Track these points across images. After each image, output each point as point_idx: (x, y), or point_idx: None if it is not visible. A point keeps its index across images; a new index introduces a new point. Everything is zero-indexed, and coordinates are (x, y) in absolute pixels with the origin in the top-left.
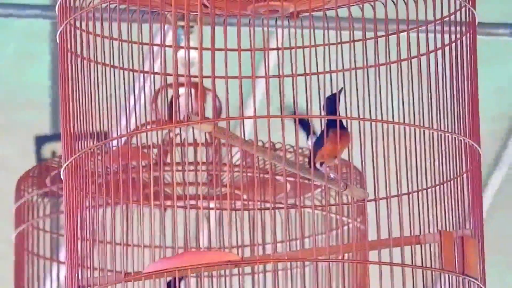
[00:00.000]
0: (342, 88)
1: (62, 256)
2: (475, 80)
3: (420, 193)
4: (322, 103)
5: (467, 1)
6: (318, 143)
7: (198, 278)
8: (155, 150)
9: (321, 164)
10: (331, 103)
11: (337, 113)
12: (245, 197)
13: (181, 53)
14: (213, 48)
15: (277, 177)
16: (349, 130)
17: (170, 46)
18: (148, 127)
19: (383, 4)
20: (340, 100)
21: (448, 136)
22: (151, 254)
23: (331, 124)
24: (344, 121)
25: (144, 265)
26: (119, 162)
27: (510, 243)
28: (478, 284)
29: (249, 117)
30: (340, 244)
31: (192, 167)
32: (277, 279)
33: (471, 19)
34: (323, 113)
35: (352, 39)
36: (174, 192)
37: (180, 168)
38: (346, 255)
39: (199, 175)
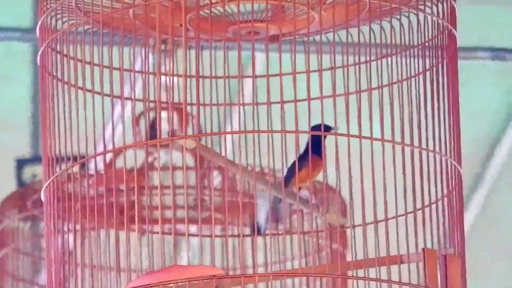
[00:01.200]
0: (332, 127)
1: (43, 279)
2: (456, 100)
3: (405, 216)
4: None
5: (449, 23)
6: (292, 170)
7: None
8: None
9: (299, 189)
10: (316, 138)
11: (322, 149)
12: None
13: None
14: (197, 76)
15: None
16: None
17: (154, 73)
18: (131, 149)
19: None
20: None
21: (430, 155)
22: (128, 278)
23: (306, 150)
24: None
25: None
26: (104, 184)
27: (488, 266)
28: None
29: (234, 132)
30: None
31: (176, 191)
32: None
33: (452, 42)
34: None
35: (334, 66)
36: (160, 216)
37: (164, 191)
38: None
39: (182, 198)
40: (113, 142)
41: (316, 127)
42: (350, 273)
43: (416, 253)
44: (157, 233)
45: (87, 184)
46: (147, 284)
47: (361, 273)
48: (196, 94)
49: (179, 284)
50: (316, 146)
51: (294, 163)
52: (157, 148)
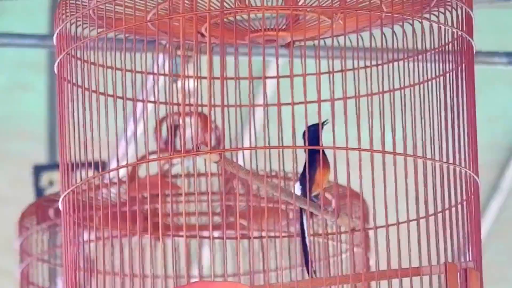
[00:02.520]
0: (326, 120)
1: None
2: (472, 109)
3: (421, 221)
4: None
5: (464, 31)
6: (310, 174)
7: None
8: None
9: (316, 196)
10: (313, 133)
11: (320, 143)
12: (244, 224)
13: (180, 82)
14: (222, 78)
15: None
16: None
17: (178, 76)
18: (153, 156)
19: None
20: (322, 131)
21: (448, 166)
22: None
23: (311, 153)
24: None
25: None
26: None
27: (505, 272)
28: None
29: (254, 148)
30: (350, 272)
31: (203, 197)
32: None
33: (467, 49)
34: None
35: (356, 67)
36: (184, 222)
37: (189, 198)
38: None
39: (204, 205)
40: (136, 154)
41: (313, 126)
42: (374, 283)
43: (437, 265)
44: (181, 236)
45: (118, 191)
46: None
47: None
48: (221, 97)
49: None
50: (316, 143)
51: (304, 172)
52: (181, 158)
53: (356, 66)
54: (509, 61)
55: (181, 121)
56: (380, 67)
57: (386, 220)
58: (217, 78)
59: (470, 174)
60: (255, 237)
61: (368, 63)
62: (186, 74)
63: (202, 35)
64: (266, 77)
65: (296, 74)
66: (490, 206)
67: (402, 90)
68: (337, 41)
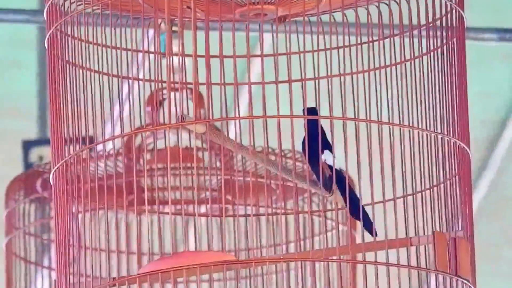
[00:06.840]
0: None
1: (51, 261)
2: (464, 81)
3: (413, 196)
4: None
5: (456, 3)
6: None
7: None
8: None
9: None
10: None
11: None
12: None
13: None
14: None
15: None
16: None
17: (164, 54)
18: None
19: (370, 8)
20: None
21: (438, 137)
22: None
23: (312, 133)
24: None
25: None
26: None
27: (494, 250)
28: (470, 286)
29: (243, 118)
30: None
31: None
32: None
33: (460, 22)
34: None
35: (344, 44)
36: (181, 197)
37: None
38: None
39: (194, 179)
40: (122, 126)
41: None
42: (360, 255)
43: (425, 236)
44: (167, 213)
45: (114, 162)
46: (158, 270)
47: (370, 256)
48: (206, 74)
49: (190, 269)
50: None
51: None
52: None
53: (348, 43)
54: (499, 37)
55: (166, 95)
56: (375, 43)
57: (383, 196)
58: (201, 56)
59: (462, 146)
60: (255, 215)
61: (362, 39)
62: (172, 50)
63: (189, 8)
64: (264, 55)
65: (293, 52)
66: (481, 181)
67: (395, 66)
68: (333, 17)
